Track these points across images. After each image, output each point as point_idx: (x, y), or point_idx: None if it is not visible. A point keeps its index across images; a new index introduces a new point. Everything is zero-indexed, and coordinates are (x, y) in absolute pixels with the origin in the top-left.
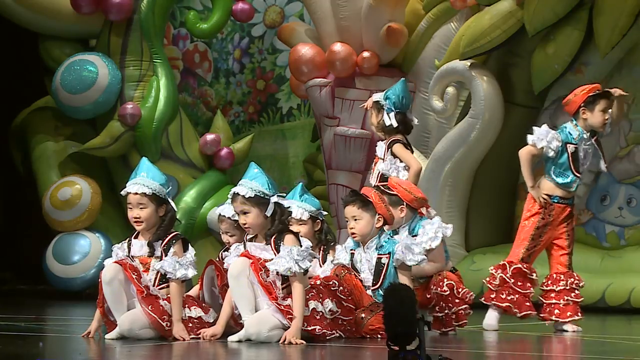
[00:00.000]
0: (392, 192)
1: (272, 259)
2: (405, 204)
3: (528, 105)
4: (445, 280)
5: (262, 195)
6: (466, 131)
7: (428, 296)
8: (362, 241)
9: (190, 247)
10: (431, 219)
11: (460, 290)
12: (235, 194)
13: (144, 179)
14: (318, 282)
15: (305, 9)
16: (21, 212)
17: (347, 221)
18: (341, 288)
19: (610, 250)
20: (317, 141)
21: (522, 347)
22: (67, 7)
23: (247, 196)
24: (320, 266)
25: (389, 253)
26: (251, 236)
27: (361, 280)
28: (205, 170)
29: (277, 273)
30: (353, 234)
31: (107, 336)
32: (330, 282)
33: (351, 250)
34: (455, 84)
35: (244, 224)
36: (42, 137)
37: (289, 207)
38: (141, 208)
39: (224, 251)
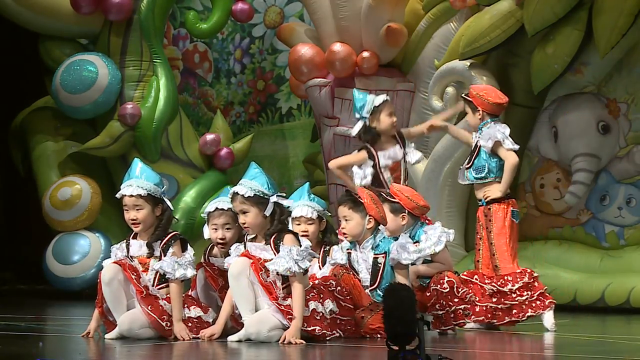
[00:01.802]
0: (394, 200)
1: (272, 259)
2: (407, 211)
3: (528, 105)
4: (446, 278)
5: (261, 195)
6: (466, 131)
7: (428, 294)
8: (357, 241)
9: (189, 247)
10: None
11: (460, 289)
12: (235, 194)
13: (138, 180)
14: (317, 282)
15: (305, 9)
16: (21, 212)
17: (339, 221)
18: (339, 288)
19: (610, 250)
20: (317, 141)
21: (522, 347)
22: (67, 7)
23: (246, 195)
24: (320, 268)
25: (385, 252)
26: (251, 236)
27: (360, 280)
28: (205, 170)
29: (277, 273)
30: (344, 234)
31: (106, 336)
32: (328, 282)
33: (348, 249)
34: (454, 84)
35: (243, 224)
36: (42, 137)
37: (289, 206)
38: (137, 209)
39: (209, 254)
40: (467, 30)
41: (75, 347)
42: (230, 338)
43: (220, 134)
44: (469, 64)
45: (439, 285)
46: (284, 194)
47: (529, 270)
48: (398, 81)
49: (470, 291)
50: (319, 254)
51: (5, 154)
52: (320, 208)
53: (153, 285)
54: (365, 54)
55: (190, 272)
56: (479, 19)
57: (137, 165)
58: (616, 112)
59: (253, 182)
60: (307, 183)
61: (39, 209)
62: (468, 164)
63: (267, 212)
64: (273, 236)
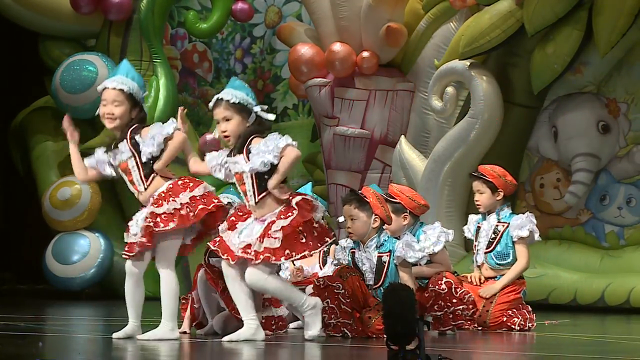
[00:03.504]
0: (395, 200)
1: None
2: (408, 211)
3: (527, 105)
4: (444, 278)
5: (245, 104)
6: (465, 131)
7: (426, 295)
8: (360, 240)
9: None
10: None
11: (458, 290)
12: (219, 100)
13: (123, 78)
14: (321, 281)
15: (303, 9)
16: (21, 212)
17: (344, 221)
18: (343, 291)
19: (610, 250)
20: (316, 141)
21: (522, 347)
22: (67, 7)
23: (231, 101)
24: (321, 268)
25: (390, 251)
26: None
27: (364, 280)
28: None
29: (255, 179)
30: (350, 233)
31: (114, 335)
32: (334, 284)
33: (351, 249)
34: (454, 84)
35: (224, 132)
36: (42, 137)
37: (270, 120)
38: (116, 105)
39: (209, 256)
40: (467, 30)
41: (75, 347)
42: (228, 337)
43: None
44: (468, 63)
45: (437, 286)
46: (267, 107)
47: None
48: (398, 81)
49: (469, 291)
50: (319, 254)
51: (5, 154)
52: (323, 207)
53: (143, 183)
54: (365, 53)
55: (171, 124)
56: (479, 19)
57: (125, 65)
58: (616, 111)
59: (237, 91)
60: (310, 183)
61: (38, 209)
62: (487, 248)
63: (250, 121)
64: (245, 145)
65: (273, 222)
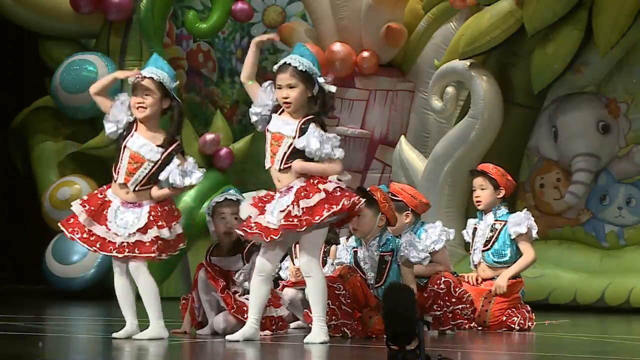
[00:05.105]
0: (397, 198)
1: (290, 136)
2: (410, 209)
3: (527, 105)
4: (443, 278)
5: (311, 74)
6: (465, 131)
7: (425, 295)
8: (362, 238)
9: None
10: None
11: (457, 289)
12: (286, 64)
13: (153, 68)
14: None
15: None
16: (21, 212)
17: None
18: (344, 292)
19: (610, 250)
20: None
21: (522, 347)
22: (67, 7)
23: (298, 68)
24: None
25: (392, 250)
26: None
27: (366, 280)
28: (205, 170)
29: (292, 150)
30: (355, 230)
31: (114, 334)
32: (335, 285)
33: (353, 248)
34: (454, 84)
35: (286, 98)
36: (42, 137)
37: (334, 93)
38: (146, 94)
39: (210, 255)
40: (467, 30)
41: (75, 347)
42: (233, 337)
43: (220, 134)
44: (469, 63)
45: (435, 286)
46: (330, 79)
47: None
48: (398, 81)
49: (468, 291)
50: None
51: (5, 153)
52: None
53: (136, 187)
54: (365, 53)
55: (197, 174)
56: (479, 19)
57: (156, 57)
58: (616, 111)
59: (304, 58)
60: None
61: (38, 208)
62: (484, 246)
63: (313, 92)
64: (306, 118)
65: (302, 187)
